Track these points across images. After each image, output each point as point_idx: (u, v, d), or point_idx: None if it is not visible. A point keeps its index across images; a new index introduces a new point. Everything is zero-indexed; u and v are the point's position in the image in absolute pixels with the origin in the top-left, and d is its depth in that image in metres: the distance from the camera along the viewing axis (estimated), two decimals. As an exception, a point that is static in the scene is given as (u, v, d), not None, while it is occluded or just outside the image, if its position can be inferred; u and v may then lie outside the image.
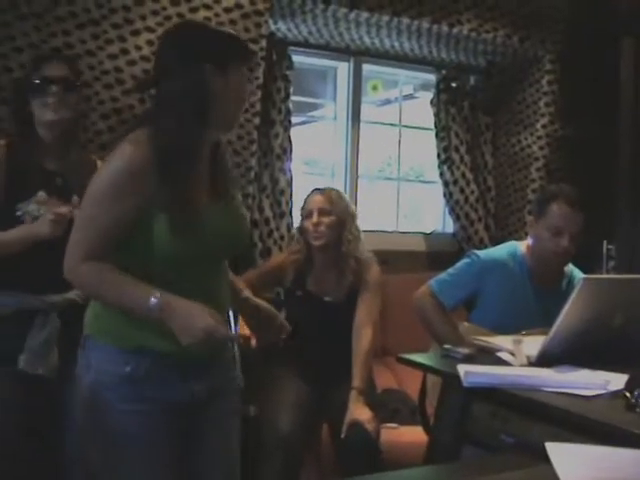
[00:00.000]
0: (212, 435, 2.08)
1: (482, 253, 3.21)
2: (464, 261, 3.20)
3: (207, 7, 3.72)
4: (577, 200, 3.01)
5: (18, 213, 2.44)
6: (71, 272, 1.89)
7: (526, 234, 3.21)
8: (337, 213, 3.37)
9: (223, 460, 2.12)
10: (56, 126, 2.56)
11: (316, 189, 3.50)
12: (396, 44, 4.52)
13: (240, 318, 3.19)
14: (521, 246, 3.19)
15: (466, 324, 3.12)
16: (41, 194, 2.48)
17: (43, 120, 2.55)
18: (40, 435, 2.50)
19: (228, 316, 2.33)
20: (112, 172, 1.86)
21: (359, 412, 3.07)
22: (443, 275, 3.19)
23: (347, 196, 3.62)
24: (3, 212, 2.46)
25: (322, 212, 3.36)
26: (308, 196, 3.47)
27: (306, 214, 3.40)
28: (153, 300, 1.81)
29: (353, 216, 3.43)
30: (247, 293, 2.30)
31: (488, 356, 2.54)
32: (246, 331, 3.15)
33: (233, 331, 2.87)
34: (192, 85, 1.88)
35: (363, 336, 3.28)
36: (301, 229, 3.45)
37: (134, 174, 1.83)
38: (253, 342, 3.15)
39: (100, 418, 1.91)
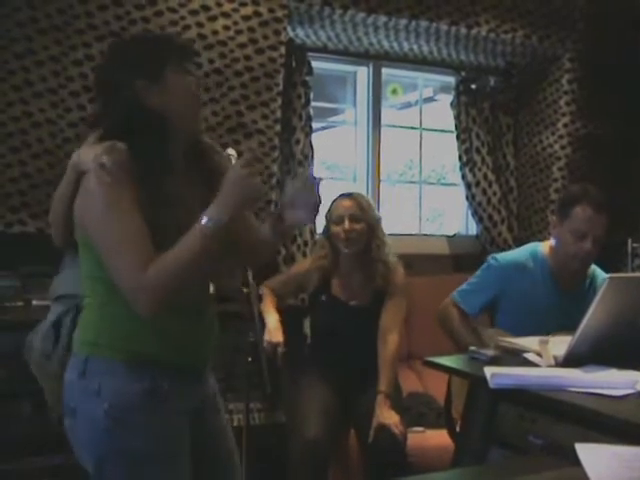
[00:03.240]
0: (216, 440, 2.07)
1: (501, 256, 3.18)
2: (483, 266, 3.18)
3: (226, 15, 3.74)
4: (602, 203, 2.96)
5: None
6: (146, 295, 1.75)
7: (550, 234, 3.17)
8: (367, 219, 3.36)
9: (223, 462, 2.10)
10: None
11: (343, 194, 3.47)
12: (415, 47, 4.51)
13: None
14: (543, 247, 3.16)
15: (490, 330, 3.10)
16: None
17: None
18: None
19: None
20: (102, 194, 1.78)
21: (386, 416, 3.06)
22: (464, 285, 3.17)
23: (371, 200, 3.61)
24: None
25: (353, 218, 3.34)
26: (335, 201, 3.44)
27: (336, 220, 3.37)
28: (204, 220, 1.74)
29: (379, 221, 3.43)
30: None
31: (514, 357, 2.52)
32: (274, 339, 3.17)
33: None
34: (127, 108, 1.84)
35: (389, 340, 3.28)
36: (329, 234, 3.43)
37: (120, 189, 1.77)
38: (280, 350, 3.16)
39: (124, 441, 1.83)
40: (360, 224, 3.34)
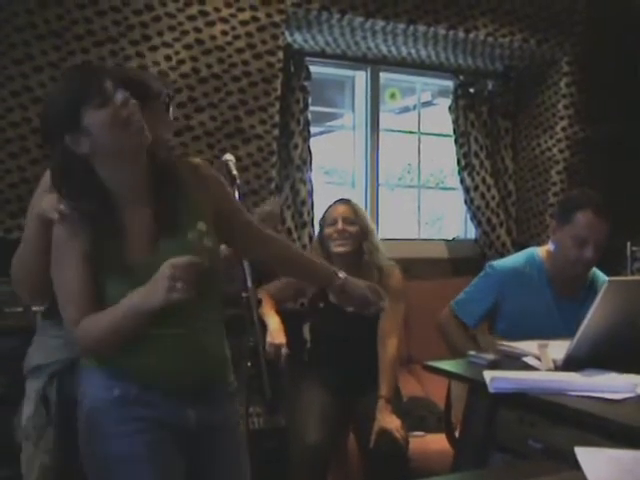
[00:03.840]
0: (220, 467, 2.04)
1: (498, 264, 3.15)
2: (481, 275, 3.15)
3: (224, 21, 3.74)
4: (604, 209, 2.92)
5: None
6: (77, 339, 1.90)
7: (549, 237, 3.15)
8: (360, 224, 3.40)
9: None
10: None
11: (339, 200, 3.53)
12: (413, 51, 4.52)
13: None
14: (540, 252, 3.12)
15: (489, 337, 3.09)
16: None
17: None
18: None
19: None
20: (54, 247, 1.90)
21: (387, 420, 3.06)
22: (461, 295, 3.15)
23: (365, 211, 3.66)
24: None
25: (346, 221, 3.38)
26: (330, 206, 3.50)
27: (329, 222, 3.42)
28: (135, 295, 1.80)
29: (373, 230, 3.48)
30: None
31: (514, 361, 2.53)
32: (276, 340, 3.17)
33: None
34: (64, 160, 1.84)
35: (388, 345, 3.28)
36: (321, 238, 3.47)
37: (65, 239, 1.87)
38: (284, 351, 3.16)
39: (99, 446, 1.91)
40: (353, 227, 3.38)
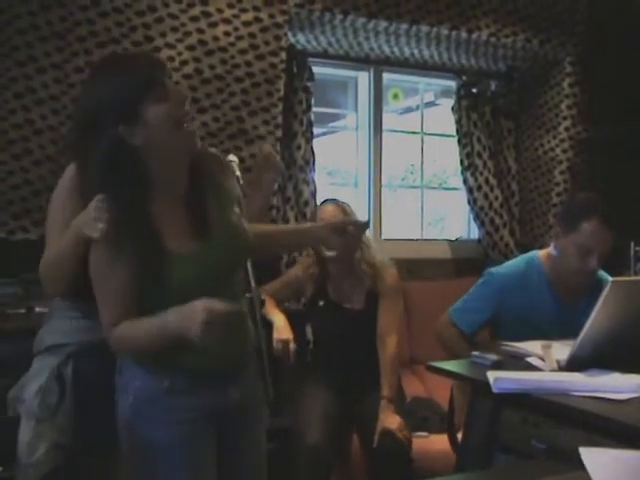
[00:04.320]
0: (245, 445, 2.12)
1: (497, 271, 3.07)
2: (479, 283, 3.09)
3: (226, 22, 3.75)
4: (610, 217, 2.84)
5: None
6: (110, 342, 1.94)
7: (552, 238, 3.10)
8: None
9: (253, 471, 2.17)
10: None
11: (326, 200, 3.49)
12: (415, 52, 4.52)
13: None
14: (540, 256, 3.05)
15: (491, 342, 3.06)
16: None
17: None
18: None
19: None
20: (96, 249, 1.90)
21: (390, 420, 3.06)
22: (460, 302, 3.09)
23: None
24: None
25: None
26: (319, 208, 3.48)
27: None
28: (170, 325, 1.81)
29: None
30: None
31: (517, 362, 2.52)
32: (284, 336, 3.18)
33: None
34: (113, 154, 1.84)
35: (388, 343, 3.27)
36: None
37: (109, 247, 1.86)
38: (292, 346, 3.17)
39: (144, 433, 1.96)
40: None
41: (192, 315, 1.76)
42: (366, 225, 2.24)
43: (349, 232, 2.16)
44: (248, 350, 2.11)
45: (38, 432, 2.26)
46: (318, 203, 4.15)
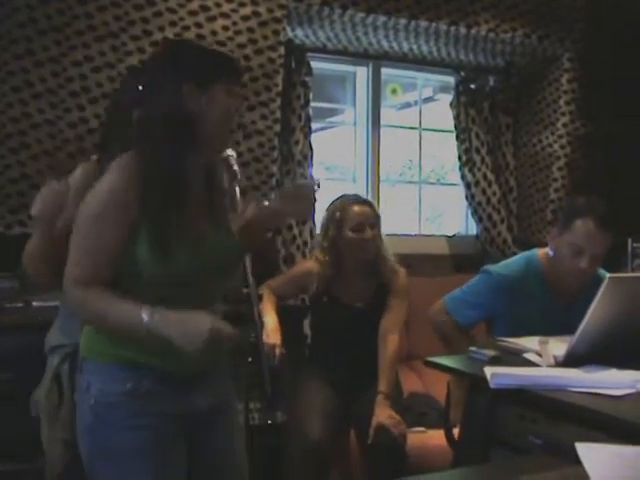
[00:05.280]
0: (220, 445, 2.07)
1: (495, 271, 3.03)
2: (478, 279, 3.07)
3: (225, 16, 3.74)
4: (607, 219, 2.80)
5: None
6: (68, 294, 1.88)
7: (549, 234, 3.10)
8: (379, 224, 3.35)
9: (227, 473, 2.11)
10: None
11: (356, 199, 3.39)
12: (414, 47, 4.52)
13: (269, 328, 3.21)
14: (539, 255, 3.04)
15: (488, 338, 3.06)
16: None
17: None
18: None
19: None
20: (98, 199, 1.84)
21: (385, 416, 3.06)
22: (457, 292, 3.09)
23: None
24: None
25: (371, 226, 3.31)
26: (348, 206, 3.34)
27: (355, 227, 3.29)
28: (145, 314, 1.78)
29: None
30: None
31: (514, 357, 2.52)
32: (271, 340, 3.17)
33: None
34: (169, 106, 1.86)
35: (389, 341, 3.27)
36: (338, 240, 3.33)
37: (117, 203, 1.82)
38: (278, 351, 3.14)
39: (106, 438, 1.90)
40: (375, 230, 3.32)
41: (197, 332, 1.75)
42: (315, 184, 2.14)
43: (301, 196, 2.13)
44: (222, 357, 2.08)
45: (51, 432, 2.29)
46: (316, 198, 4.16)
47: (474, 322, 3.07)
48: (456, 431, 2.74)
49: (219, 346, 1.83)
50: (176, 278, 1.88)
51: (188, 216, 1.90)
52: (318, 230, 3.58)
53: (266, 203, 2.15)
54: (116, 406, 1.89)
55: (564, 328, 2.57)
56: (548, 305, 2.96)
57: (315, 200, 2.11)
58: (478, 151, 4.74)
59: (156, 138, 1.87)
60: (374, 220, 3.33)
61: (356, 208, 3.33)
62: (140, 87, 2.05)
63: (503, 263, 3.17)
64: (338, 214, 3.33)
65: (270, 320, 3.26)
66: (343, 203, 3.37)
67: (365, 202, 3.40)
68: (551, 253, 2.96)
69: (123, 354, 1.90)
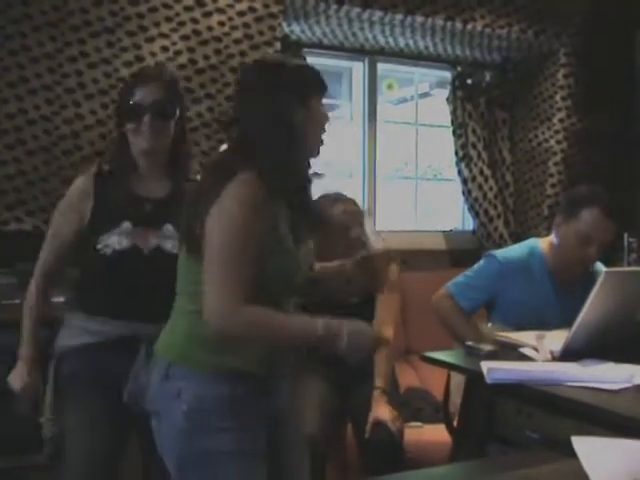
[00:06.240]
0: (290, 446, 2.13)
1: (500, 255, 3.07)
2: (481, 263, 3.10)
3: (221, 11, 3.74)
4: (612, 208, 2.87)
5: (98, 246, 2.25)
6: (230, 318, 1.83)
7: (547, 229, 3.12)
8: (365, 220, 3.36)
9: (292, 472, 2.15)
10: (150, 155, 2.34)
11: (343, 198, 3.38)
12: (410, 42, 4.51)
13: None
14: (541, 243, 3.08)
15: (489, 325, 3.07)
16: (126, 225, 2.27)
17: (137, 148, 2.33)
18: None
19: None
20: (237, 215, 1.84)
21: (382, 411, 3.06)
22: (460, 277, 3.10)
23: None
24: (87, 246, 2.28)
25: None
26: (334, 205, 3.30)
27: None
28: (321, 326, 1.90)
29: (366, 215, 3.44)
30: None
31: (511, 352, 2.53)
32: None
33: None
34: (279, 117, 1.92)
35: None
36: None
37: (257, 213, 1.85)
38: None
39: (202, 443, 1.90)
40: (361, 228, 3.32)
41: (365, 339, 1.95)
42: (391, 254, 2.36)
43: (373, 265, 2.32)
44: (292, 361, 2.17)
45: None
46: (312, 193, 4.15)
47: (477, 305, 3.08)
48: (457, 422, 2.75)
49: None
50: (289, 284, 2.00)
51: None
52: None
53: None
54: (211, 411, 1.89)
55: (564, 315, 2.59)
56: (549, 291, 3.00)
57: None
58: (474, 146, 4.74)
59: (273, 152, 1.92)
60: (360, 217, 3.34)
61: (341, 207, 3.32)
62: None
63: (506, 249, 3.23)
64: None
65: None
66: (328, 201, 3.36)
67: (351, 200, 3.40)
68: (556, 241, 2.99)
69: (226, 363, 1.91)
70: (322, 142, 2.07)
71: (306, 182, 2.09)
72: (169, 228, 2.28)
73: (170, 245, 2.24)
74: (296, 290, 2.07)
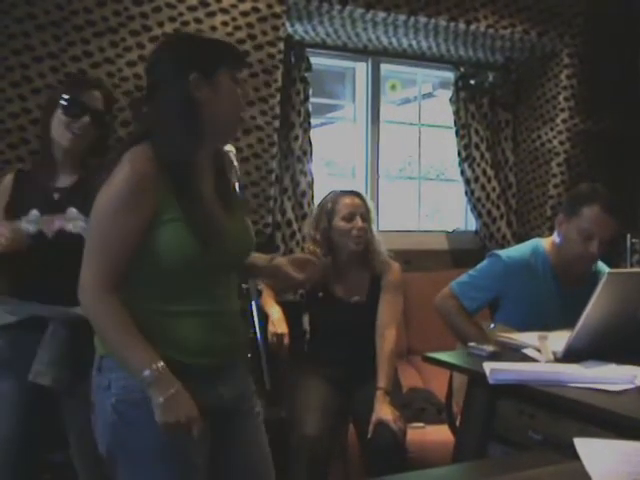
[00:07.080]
0: (244, 441, 2.08)
1: (504, 254, 3.09)
2: (485, 263, 3.12)
3: (224, 11, 3.73)
4: (613, 205, 2.90)
5: None
6: (87, 302, 1.86)
7: (549, 230, 3.14)
8: (370, 217, 3.37)
9: (256, 466, 2.11)
10: (69, 151, 2.54)
11: (348, 191, 3.44)
12: (413, 43, 4.51)
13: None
14: (544, 243, 3.11)
15: (492, 325, 3.08)
16: (33, 212, 2.43)
17: (61, 142, 2.53)
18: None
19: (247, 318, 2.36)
20: (114, 193, 1.83)
21: (385, 412, 3.06)
22: (464, 277, 3.12)
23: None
24: None
25: (363, 217, 3.34)
26: (339, 197, 3.39)
27: (347, 216, 3.32)
28: (148, 372, 1.79)
29: (374, 221, 3.45)
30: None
31: (514, 353, 2.53)
32: (279, 329, 3.18)
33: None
34: (177, 97, 1.89)
35: (387, 336, 3.27)
36: (329, 230, 3.37)
37: (135, 192, 1.81)
38: (286, 340, 3.17)
39: (128, 437, 1.89)
40: (365, 222, 3.33)
41: (181, 411, 1.81)
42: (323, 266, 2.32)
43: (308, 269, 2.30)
44: (239, 348, 2.08)
45: None
46: (315, 194, 4.17)
47: (481, 305, 3.09)
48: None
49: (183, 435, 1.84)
50: (200, 265, 1.89)
51: (205, 203, 1.92)
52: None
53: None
54: (139, 404, 1.85)
55: (568, 314, 2.59)
56: (553, 290, 3.03)
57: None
58: (477, 147, 4.74)
59: (167, 129, 1.89)
60: (364, 210, 3.36)
61: (347, 199, 3.39)
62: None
63: (510, 249, 3.26)
64: (329, 205, 3.39)
65: (274, 311, 3.28)
66: (334, 195, 3.43)
67: (357, 194, 3.45)
68: (558, 239, 3.02)
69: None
70: (238, 119, 2.04)
71: (222, 158, 2.10)
72: (73, 211, 2.44)
73: (71, 226, 2.40)
74: (231, 257, 2.00)
